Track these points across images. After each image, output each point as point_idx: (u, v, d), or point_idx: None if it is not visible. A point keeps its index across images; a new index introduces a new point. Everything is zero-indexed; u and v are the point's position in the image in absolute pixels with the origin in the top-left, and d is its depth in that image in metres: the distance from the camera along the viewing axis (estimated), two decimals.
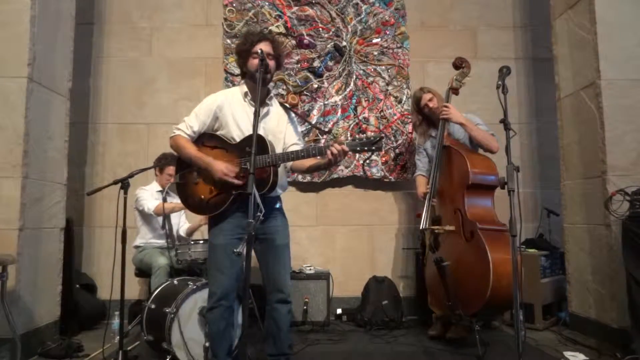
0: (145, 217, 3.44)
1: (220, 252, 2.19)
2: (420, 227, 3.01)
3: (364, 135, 2.16)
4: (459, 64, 3.13)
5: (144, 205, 3.37)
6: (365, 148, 2.04)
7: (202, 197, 2.24)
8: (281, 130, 2.34)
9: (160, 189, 3.52)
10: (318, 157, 2.17)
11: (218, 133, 2.28)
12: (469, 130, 3.07)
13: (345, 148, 2.03)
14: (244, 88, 2.32)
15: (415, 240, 3.91)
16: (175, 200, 3.52)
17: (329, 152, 2.03)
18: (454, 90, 3.13)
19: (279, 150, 2.26)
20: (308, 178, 4.01)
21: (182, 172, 2.30)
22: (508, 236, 2.76)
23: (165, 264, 3.14)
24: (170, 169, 3.44)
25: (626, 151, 2.94)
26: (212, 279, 2.24)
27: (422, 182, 3.31)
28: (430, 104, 3.24)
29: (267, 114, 2.31)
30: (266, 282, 2.30)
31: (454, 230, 2.85)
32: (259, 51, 2.12)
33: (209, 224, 2.31)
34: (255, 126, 1.88)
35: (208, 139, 2.29)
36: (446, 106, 3.06)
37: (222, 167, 2.15)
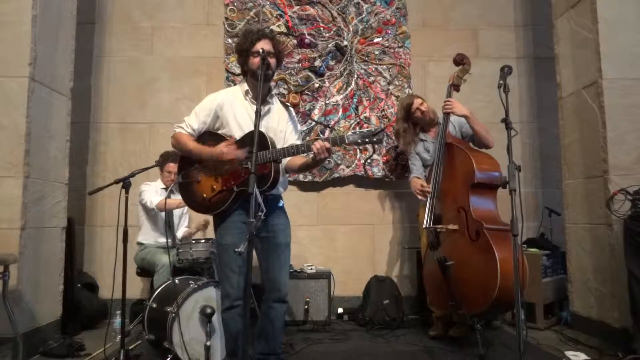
0: (148, 212, 3.45)
1: (230, 250, 2.15)
2: (423, 226, 2.99)
3: (366, 129, 2.16)
4: (460, 60, 3.12)
5: (146, 199, 3.38)
6: (367, 140, 2.02)
7: (204, 195, 2.25)
8: (282, 129, 2.34)
9: (164, 186, 3.52)
10: (310, 154, 2.16)
11: (219, 132, 2.29)
12: (472, 122, 3.04)
13: (327, 145, 2.04)
14: (245, 86, 2.32)
15: (416, 239, 3.90)
16: (179, 197, 3.53)
17: (312, 146, 2.05)
18: (455, 87, 3.11)
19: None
20: (309, 177, 4.02)
21: (185, 171, 2.31)
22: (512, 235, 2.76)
23: (169, 262, 3.14)
24: (170, 166, 3.44)
25: (628, 150, 2.94)
26: (226, 279, 2.22)
27: (417, 180, 3.28)
28: (422, 108, 3.25)
29: (268, 112, 2.32)
30: (265, 280, 2.30)
31: (457, 229, 2.84)
32: (260, 50, 2.12)
33: (214, 223, 2.31)
34: (256, 125, 1.89)
35: (209, 137, 2.29)
36: (448, 100, 3.04)
37: (221, 147, 2.16)
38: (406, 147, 3.37)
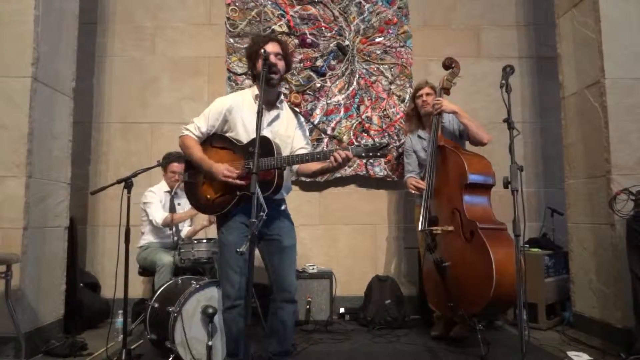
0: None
1: (232, 250, 2.15)
2: (419, 229, 3.00)
3: (370, 141, 2.16)
4: (449, 64, 3.18)
5: (151, 215, 3.37)
6: (371, 154, 2.03)
7: (208, 197, 2.26)
8: (289, 135, 2.33)
9: (168, 188, 3.52)
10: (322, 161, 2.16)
11: (227, 134, 2.29)
12: (461, 118, 3.06)
13: (350, 154, 2.02)
14: (255, 91, 2.31)
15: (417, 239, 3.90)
16: (183, 200, 3.53)
17: (332, 157, 2.02)
18: (445, 90, 3.17)
19: (286, 154, 2.24)
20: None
21: (191, 171, 2.32)
22: (507, 234, 2.77)
23: (169, 262, 3.15)
24: (174, 166, 3.44)
25: (631, 150, 2.92)
26: (227, 278, 2.22)
27: (411, 178, 3.29)
28: (425, 97, 3.26)
29: (277, 117, 2.31)
30: (273, 282, 2.31)
31: (452, 231, 2.85)
32: (262, 51, 2.12)
33: (217, 223, 2.31)
34: (258, 125, 1.89)
35: (217, 140, 2.30)
36: (437, 100, 3.09)
37: (223, 169, 2.15)
38: (410, 129, 3.45)
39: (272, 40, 2.28)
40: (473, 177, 2.86)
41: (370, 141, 2.08)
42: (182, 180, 2.37)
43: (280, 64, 2.23)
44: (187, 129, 2.31)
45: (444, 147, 3.03)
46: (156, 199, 3.43)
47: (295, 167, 2.31)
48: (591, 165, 3.12)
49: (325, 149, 3.87)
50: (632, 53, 2.97)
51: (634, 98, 2.95)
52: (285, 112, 2.36)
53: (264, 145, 2.09)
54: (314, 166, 2.27)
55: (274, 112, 2.29)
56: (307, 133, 2.49)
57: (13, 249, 2.69)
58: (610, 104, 2.94)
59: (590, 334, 3.07)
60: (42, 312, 2.96)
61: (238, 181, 2.14)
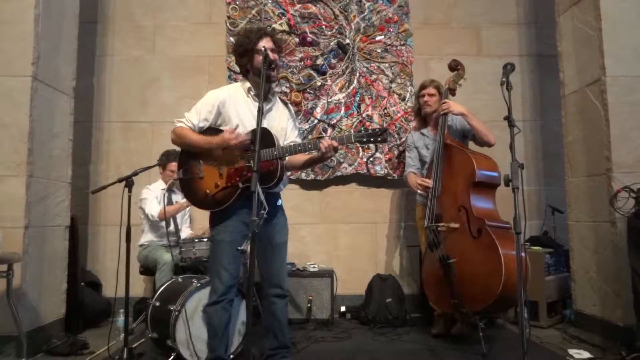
0: (150, 219, 3.45)
1: (225, 248, 2.19)
2: (424, 225, 3.00)
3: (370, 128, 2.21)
4: (454, 66, 3.20)
5: (147, 211, 3.38)
6: (372, 139, 2.08)
7: (207, 191, 2.23)
8: (283, 127, 2.35)
9: (164, 186, 3.52)
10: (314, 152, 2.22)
11: (222, 128, 2.28)
12: (469, 119, 3.06)
13: (335, 143, 2.09)
14: (247, 84, 2.32)
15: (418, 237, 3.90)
16: (179, 196, 3.53)
17: (320, 144, 2.10)
18: (451, 91, 3.19)
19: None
20: (312, 176, 4.02)
21: (186, 167, 2.29)
22: (513, 233, 2.77)
23: (170, 260, 3.15)
24: (172, 166, 3.44)
25: (631, 148, 2.92)
26: (215, 275, 2.23)
27: (414, 176, 3.29)
28: (427, 97, 3.27)
29: (270, 109, 2.32)
30: (264, 277, 2.32)
31: (457, 228, 2.85)
32: (262, 48, 2.13)
33: (212, 219, 2.30)
34: (258, 123, 1.90)
35: (211, 134, 2.28)
36: (444, 102, 3.10)
37: (225, 135, 2.15)
38: (417, 125, 3.46)
39: (266, 34, 2.27)
40: (481, 176, 2.86)
41: (370, 128, 2.12)
42: (178, 177, 2.33)
43: (276, 58, 2.24)
44: (180, 122, 2.29)
45: (450, 145, 3.03)
46: (152, 195, 3.44)
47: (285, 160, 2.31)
48: (592, 163, 3.12)
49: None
50: (632, 51, 2.97)
51: (635, 96, 2.95)
52: (277, 103, 2.38)
53: (265, 137, 2.11)
54: (304, 157, 2.30)
55: (267, 105, 2.29)
56: (297, 124, 2.53)
57: (14, 248, 2.69)
58: (611, 101, 2.94)
59: (591, 331, 3.07)
60: (43, 311, 2.97)
61: (244, 137, 2.12)
